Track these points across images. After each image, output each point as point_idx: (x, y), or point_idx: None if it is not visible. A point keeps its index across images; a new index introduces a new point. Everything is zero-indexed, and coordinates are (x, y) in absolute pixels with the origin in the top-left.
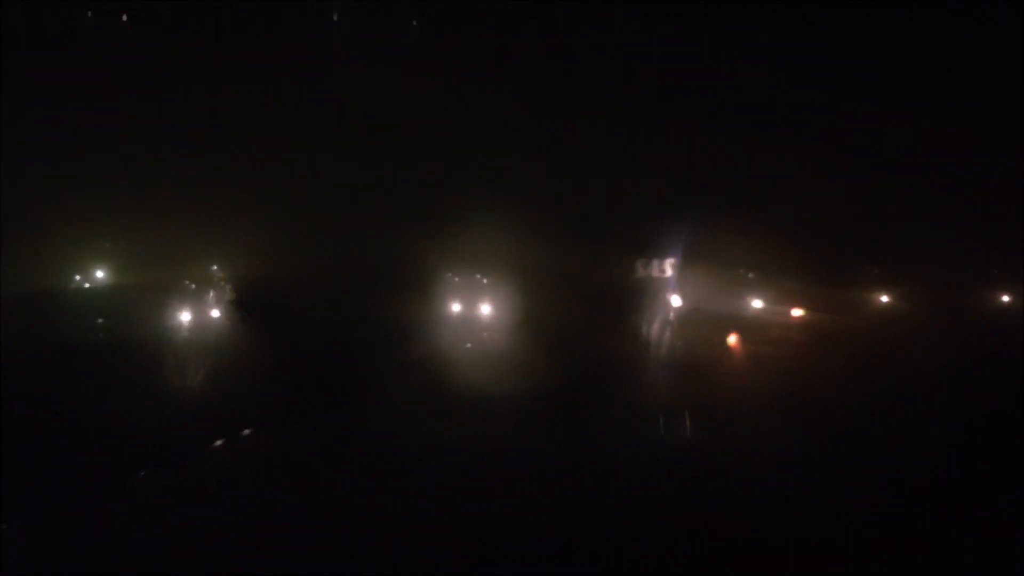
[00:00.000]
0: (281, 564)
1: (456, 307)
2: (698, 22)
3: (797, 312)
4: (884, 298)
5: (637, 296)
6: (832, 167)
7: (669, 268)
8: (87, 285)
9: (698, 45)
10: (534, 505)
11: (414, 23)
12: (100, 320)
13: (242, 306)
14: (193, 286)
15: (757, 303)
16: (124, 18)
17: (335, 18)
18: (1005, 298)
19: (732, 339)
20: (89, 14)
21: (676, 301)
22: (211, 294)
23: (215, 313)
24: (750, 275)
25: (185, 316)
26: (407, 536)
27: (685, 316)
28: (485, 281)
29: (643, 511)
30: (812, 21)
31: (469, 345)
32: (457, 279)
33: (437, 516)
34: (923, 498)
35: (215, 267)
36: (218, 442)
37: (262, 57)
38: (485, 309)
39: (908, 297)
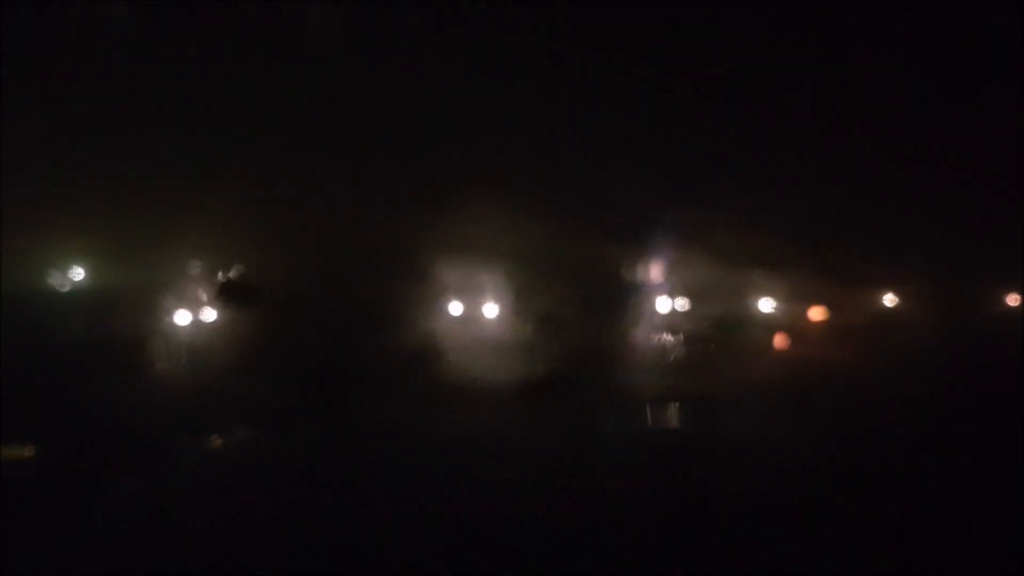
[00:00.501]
0: (274, 562)
1: (454, 301)
2: (693, 11)
3: (816, 313)
4: (889, 299)
5: (627, 298)
6: (833, 163)
7: (659, 269)
8: (65, 286)
9: (692, 34)
10: (530, 504)
11: (412, 15)
12: (80, 321)
13: (230, 303)
14: (182, 283)
15: (766, 303)
16: (107, 7)
17: (332, 9)
18: (1012, 300)
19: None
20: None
21: (666, 303)
22: (198, 292)
23: (201, 312)
24: (756, 274)
25: (170, 315)
26: (395, 539)
27: (680, 319)
28: (483, 277)
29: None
30: (811, 10)
31: (466, 341)
32: (456, 273)
33: (426, 517)
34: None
35: (199, 263)
36: (214, 439)
37: (254, 47)
38: (483, 304)
39: (915, 298)
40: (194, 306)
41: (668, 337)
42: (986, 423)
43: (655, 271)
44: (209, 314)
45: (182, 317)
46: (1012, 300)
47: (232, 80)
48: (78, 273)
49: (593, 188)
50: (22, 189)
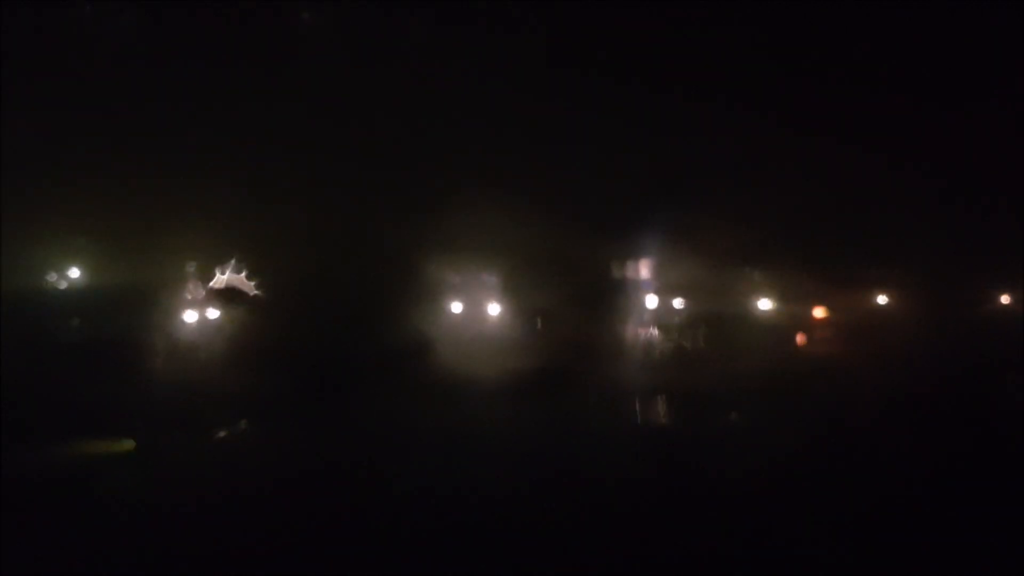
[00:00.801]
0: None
1: (453, 300)
2: (691, 14)
3: (819, 312)
4: (883, 298)
5: (615, 297)
6: (829, 162)
7: (646, 268)
8: (62, 285)
9: (690, 37)
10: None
11: (411, 16)
12: (75, 320)
13: (226, 304)
14: (180, 284)
15: (765, 303)
16: (107, 8)
17: (330, 13)
18: (1004, 299)
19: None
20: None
21: (653, 302)
22: (193, 292)
23: (195, 312)
24: (756, 275)
25: (172, 314)
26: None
27: (675, 318)
28: (476, 279)
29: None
30: (810, 15)
31: (464, 338)
32: (449, 276)
33: (425, 509)
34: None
35: (194, 264)
36: (221, 433)
37: (253, 50)
38: (478, 305)
39: (910, 298)
40: (195, 305)
41: (663, 334)
42: (978, 418)
43: (648, 270)
44: (210, 313)
45: (187, 316)
46: (1005, 299)
47: (232, 82)
48: (76, 273)
49: (592, 190)
50: (22, 189)
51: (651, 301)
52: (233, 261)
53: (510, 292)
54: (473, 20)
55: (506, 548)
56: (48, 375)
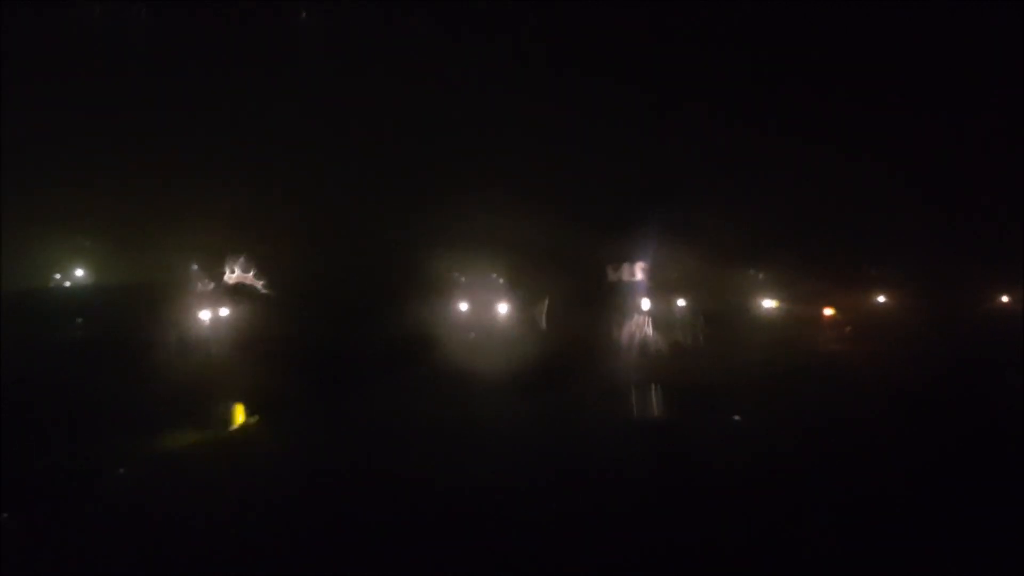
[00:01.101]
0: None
1: (454, 303)
2: (681, 16)
3: (828, 311)
4: (882, 298)
5: (612, 299)
6: (828, 166)
7: (640, 272)
8: (67, 284)
9: (685, 38)
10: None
11: (418, 18)
12: (79, 319)
13: (230, 304)
14: (188, 284)
15: (768, 303)
16: (108, 8)
17: (338, 15)
18: (1004, 298)
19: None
20: (67, 9)
21: (646, 304)
22: (196, 293)
23: (198, 312)
24: (760, 276)
25: (168, 316)
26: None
27: (681, 317)
28: (480, 283)
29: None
30: (811, 15)
31: (472, 335)
32: (454, 278)
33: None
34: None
35: (195, 266)
36: (230, 428)
37: (254, 51)
38: (482, 306)
39: (908, 298)
40: (205, 304)
41: (663, 331)
42: (977, 417)
43: (649, 270)
44: (221, 311)
45: (201, 315)
46: (1004, 299)
47: (238, 83)
48: (82, 272)
49: (595, 190)
50: (24, 189)
51: (651, 300)
52: (242, 259)
53: (514, 290)
54: (478, 22)
55: (510, 538)
56: (56, 374)
